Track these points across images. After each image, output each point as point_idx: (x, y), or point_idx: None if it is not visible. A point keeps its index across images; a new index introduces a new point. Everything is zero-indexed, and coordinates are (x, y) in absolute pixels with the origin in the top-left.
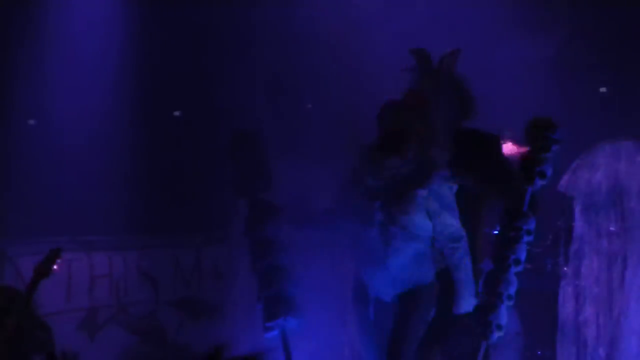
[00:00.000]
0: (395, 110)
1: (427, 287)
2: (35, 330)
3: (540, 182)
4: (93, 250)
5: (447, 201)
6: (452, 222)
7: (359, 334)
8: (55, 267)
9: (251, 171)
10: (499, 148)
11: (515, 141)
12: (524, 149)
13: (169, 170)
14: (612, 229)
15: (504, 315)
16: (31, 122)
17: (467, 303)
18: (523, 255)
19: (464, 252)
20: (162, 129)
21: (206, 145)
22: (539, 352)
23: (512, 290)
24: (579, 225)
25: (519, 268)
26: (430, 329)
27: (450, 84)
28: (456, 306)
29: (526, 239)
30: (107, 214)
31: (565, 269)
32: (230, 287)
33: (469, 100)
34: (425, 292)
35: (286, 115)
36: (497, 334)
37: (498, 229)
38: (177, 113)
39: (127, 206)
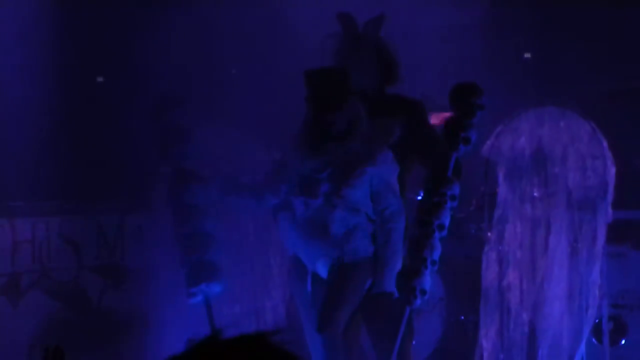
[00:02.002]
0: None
1: (363, 261)
2: None
3: (464, 148)
4: (15, 216)
5: (391, 180)
6: (393, 202)
7: (298, 307)
8: None
9: (174, 137)
10: (423, 114)
11: (440, 107)
12: (448, 115)
13: (92, 136)
14: (535, 194)
15: (428, 280)
16: None
17: (388, 283)
18: (447, 221)
19: (400, 234)
20: (85, 95)
21: (130, 110)
22: (462, 317)
23: (436, 255)
24: (502, 190)
25: (443, 233)
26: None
27: (374, 50)
28: (376, 284)
29: (450, 204)
30: (30, 180)
31: (488, 234)
32: (154, 253)
33: (393, 66)
34: (361, 266)
35: (210, 81)
36: (420, 299)
37: (422, 194)
38: (100, 79)
39: (50, 172)
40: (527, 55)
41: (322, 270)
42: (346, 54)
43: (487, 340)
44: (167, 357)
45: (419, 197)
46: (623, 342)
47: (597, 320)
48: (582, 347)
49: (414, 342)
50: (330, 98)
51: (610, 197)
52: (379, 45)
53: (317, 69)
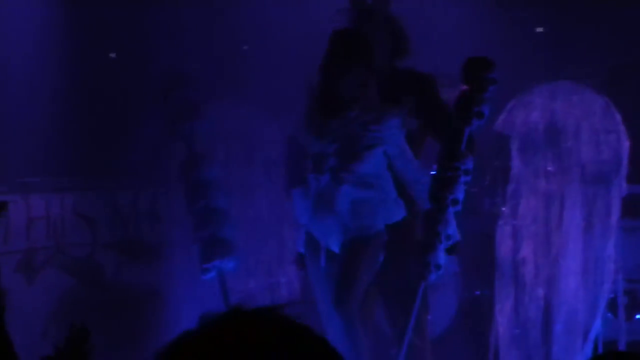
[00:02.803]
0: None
1: (375, 236)
2: None
3: (477, 122)
4: (29, 192)
5: (402, 144)
6: (413, 164)
7: (312, 283)
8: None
9: (184, 114)
10: (434, 88)
11: (452, 81)
12: (461, 89)
13: (106, 112)
14: (549, 168)
15: (442, 255)
16: None
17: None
18: (461, 196)
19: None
20: (98, 71)
21: (143, 86)
22: (477, 292)
23: (451, 230)
24: (516, 165)
25: (457, 208)
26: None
27: (383, 24)
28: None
29: (464, 179)
30: (44, 157)
31: (502, 208)
32: (168, 229)
33: (403, 40)
34: (372, 241)
35: (221, 57)
36: (435, 274)
37: (435, 169)
38: (112, 55)
39: (64, 148)
40: (540, 29)
41: (335, 246)
42: (356, 28)
43: (502, 315)
44: (183, 331)
45: (433, 172)
46: (638, 316)
47: (612, 295)
48: (598, 322)
49: (429, 317)
50: (351, 59)
51: (624, 171)
52: (388, 20)
53: (345, 30)
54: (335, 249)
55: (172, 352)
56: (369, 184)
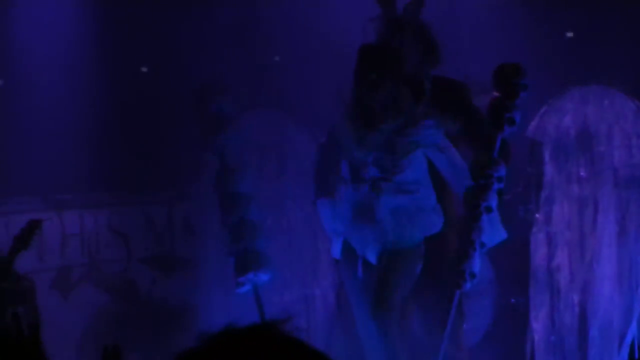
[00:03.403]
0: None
1: (413, 248)
2: (19, 282)
3: (509, 129)
4: (64, 209)
5: (441, 142)
6: (457, 163)
7: (348, 293)
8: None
9: (217, 126)
10: (468, 95)
11: (483, 88)
12: (492, 96)
13: (138, 127)
14: (582, 174)
15: (477, 263)
16: None
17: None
18: (494, 203)
19: None
20: (130, 85)
21: (175, 100)
22: (513, 300)
23: (485, 237)
24: (549, 171)
25: (491, 215)
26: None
27: (415, 32)
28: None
29: (497, 186)
30: (77, 172)
31: (536, 215)
32: (202, 242)
33: (435, 48)
34: (412, 254)
35: (253, 69)
36: (470, 282)
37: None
38: (144, 69)
39: (97, 164)
40: (570, 34)
41: (372, 256)
42: (387, 37)
43: (537, 322)
44: (185, 349)
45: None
46: None
47: None
48: (634, 327)
49: (465, 326)
50: (379, 73)
51: None
52: (419, 27)
53: (373, 45)
54: (373, 259)
55: None
56: (408, 191)
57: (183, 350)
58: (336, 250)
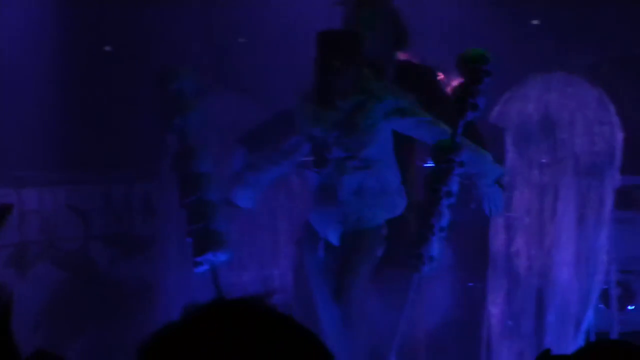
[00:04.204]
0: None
1: (375, 229)
2: None
3: (472, 114)
4: (23, 186)
5: (409, 109)
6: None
7: (308, 274)
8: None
9: (178, 106)
10: (435, 79)
11: (447, 73)
12: (456, 82)
13: (99, 106)
14: (543, 160)
15: (436, 247)
16: None
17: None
18: (455, 188)
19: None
20: (92, 64)
21: (137, 79)
22: (471, 284)
23: (444, 222)
24: (510, 157)
25: (451, 200)
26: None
27: (385, 15)
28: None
29: (458, 171)
30: (37, 150)
31: None
32: (161, 222)
33: (404, 32)
34: (373, 235)
35: (217, 50)
36: (428, 266)
37: (430, 161)
38: (107, 48)
39: (57, 142)
40: (535, 21)
41: (334, 238)
42: (358, 20)
43: (495, 306)
44: (167, 323)
45: (428, 165)
46: (631, 307)
47: (604, 286)
48: (590, 313)
49: (422, 310)
50: (338, 60)
51: (617, 162)
52: (390, 11)
53: (328, 30)
54: (335, 241)
55: (156, 344)
56: (372, 170)
57: (168, 325)
58: (239, 197)
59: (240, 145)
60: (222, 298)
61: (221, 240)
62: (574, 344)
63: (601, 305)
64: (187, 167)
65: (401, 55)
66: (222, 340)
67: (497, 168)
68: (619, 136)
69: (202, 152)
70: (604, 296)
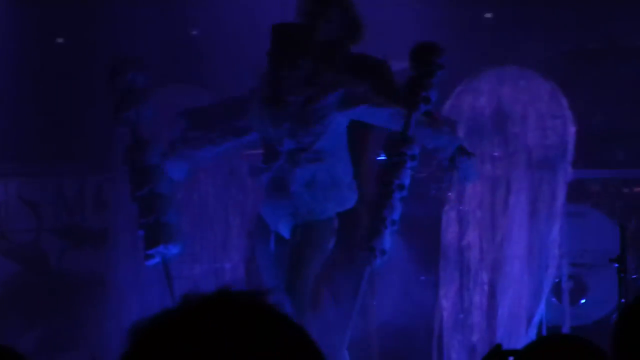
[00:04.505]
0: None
1: (326, 221)
2: None
3: (424, 107)
4: None
5: (363, 98)
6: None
7: (260, 268)
8: None
9: (129, 99)
10: (388, 72)
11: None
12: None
13: (52, 97)
14: (495, 153)
15: (388, 240)
16: None
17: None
18: (407, 181)
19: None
20: (44, 56)
21: (89, 71)
22: (423, 277)
23: (396, 215)
24: None
25: (403, 193)
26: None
27: (339, 7)
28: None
29: (410, 164)
30: None
31: (449, 194)
32: (113, 215)
33: (358, 24)
34: (324, 227)
35: (170, 42)
36: (380, 259)
37: (382, 154)
38: (60, 40)
39: (9, 134)
40: (488, 14)
41: (285, 230)
42: (311, 11)
43: (446, 299)
44: (163, 310)
45: (380, 158)
46: (583, 301)
47: (556, 280)
48: (542, 306)
49: (374, 303)
50: (290, 52)
51: (570, 156)
52: (343, 3)
53: (282, 24)
54: (285, 233)
55: (154, 331)
56: (324, 163)
57: (165, 312)
58: (171, 168)
59: (182, 118)
60: (225, 290)
61: (172, 233)
62: (525, 337)
63: (553, 299)
64: (139, 159)
65: (354, 48)
66: (224, 334)
67: (454, 139)
68: (571, 130)
69: (153, 145)
70: (556, 290)
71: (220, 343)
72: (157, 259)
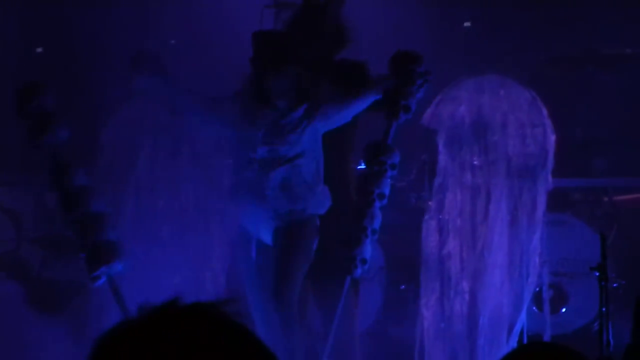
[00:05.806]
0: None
1: (308, 220)
2: None
3: (404, 116)
4: None
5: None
6: None
7: (242, 275)
8: None
9: (42, 124)
10: (368, 76)
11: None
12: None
13: None
14: (475, 162)
15: (368, 249)
16: None
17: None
18: (387, 190)
19: None
20: (23, 64)
21: (68, 82)
22: (403, 287)
23: (377, 224)
24: (442, 159)
25: (383, 202)
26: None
27: (330, 16)
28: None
29: (390, 173)
30: None
31: (429, 202)
32: None
33: (344, 33)
34: (306, 225)
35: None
36: (361, 269)
37: (362, 163)
38: (39, 49)
39: None
40: (467, 23)
41: (267, 236)
42: (299, 21)
43: (427, 309)
44: (121, 320)
45: (360, 167)
46: (563, 310)
47: (537, 289)
48: (523, 315)
49: (355, 311)
50: (271, 60)
51: (550, 165)
52: (330, 13)
53: (263, 31)
54: (267, 239)
55: (110, 342)
56: (298, 166)
57: (122, 323)
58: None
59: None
60: (176, 300)
61: (113, 250)
62: (506, 346)
63: (534, 308)
64: (64, 184)
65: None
66: (173, 343)
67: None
68: (551, 138)
69: (76, 167)
70: (537, 298)
71: (163, 354)
72: (103, 279)
